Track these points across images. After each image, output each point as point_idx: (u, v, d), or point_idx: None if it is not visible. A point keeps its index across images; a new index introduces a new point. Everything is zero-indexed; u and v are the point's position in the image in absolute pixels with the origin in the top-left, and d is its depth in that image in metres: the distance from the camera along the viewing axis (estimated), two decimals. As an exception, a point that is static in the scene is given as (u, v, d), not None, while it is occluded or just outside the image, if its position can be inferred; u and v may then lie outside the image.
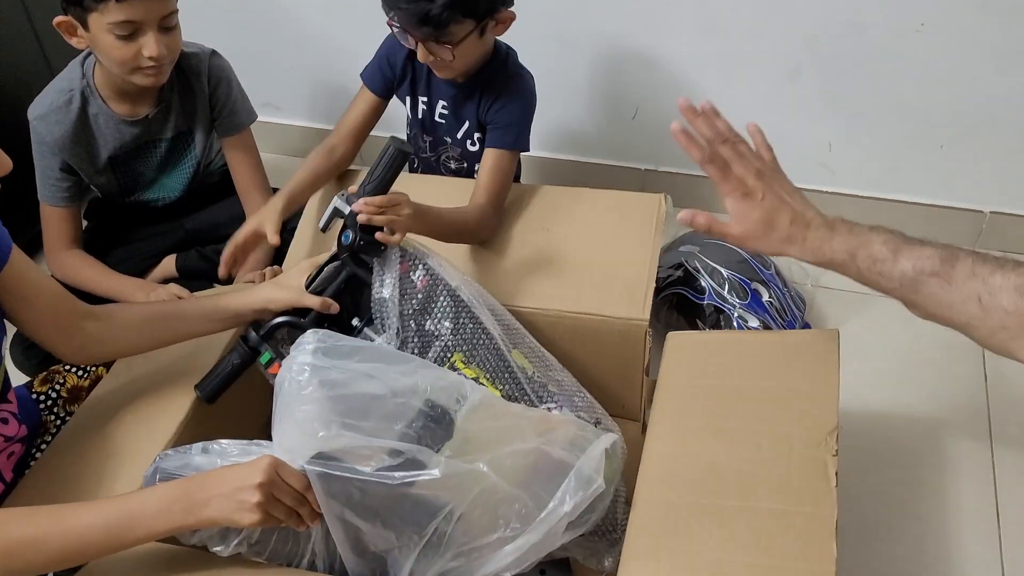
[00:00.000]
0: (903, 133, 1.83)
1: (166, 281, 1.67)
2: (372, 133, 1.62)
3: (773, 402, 1.07)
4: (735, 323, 1.60)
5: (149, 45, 1.41)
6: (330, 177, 1.57)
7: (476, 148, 1.58)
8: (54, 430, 1.27)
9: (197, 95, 1.61)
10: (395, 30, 1.40)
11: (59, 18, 1.43)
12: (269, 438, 1.02)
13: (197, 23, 1.60)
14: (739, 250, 1.70)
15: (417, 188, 1.28)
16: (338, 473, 0.93)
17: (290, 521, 0.96)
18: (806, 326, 1.69)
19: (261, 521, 0.92)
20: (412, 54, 1.53)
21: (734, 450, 1.02)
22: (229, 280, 1.58)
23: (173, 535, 0.96)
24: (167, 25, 1.43)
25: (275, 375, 1.11)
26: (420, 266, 1.20)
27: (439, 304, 1.20)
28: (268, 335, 1.21)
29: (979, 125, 1.76)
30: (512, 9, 1.43)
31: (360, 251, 1.18)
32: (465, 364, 1.19)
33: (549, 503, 0.99)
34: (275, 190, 1.72)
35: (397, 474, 0.93)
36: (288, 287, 1.22)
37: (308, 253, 1.49)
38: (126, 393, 1.25)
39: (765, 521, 0.94)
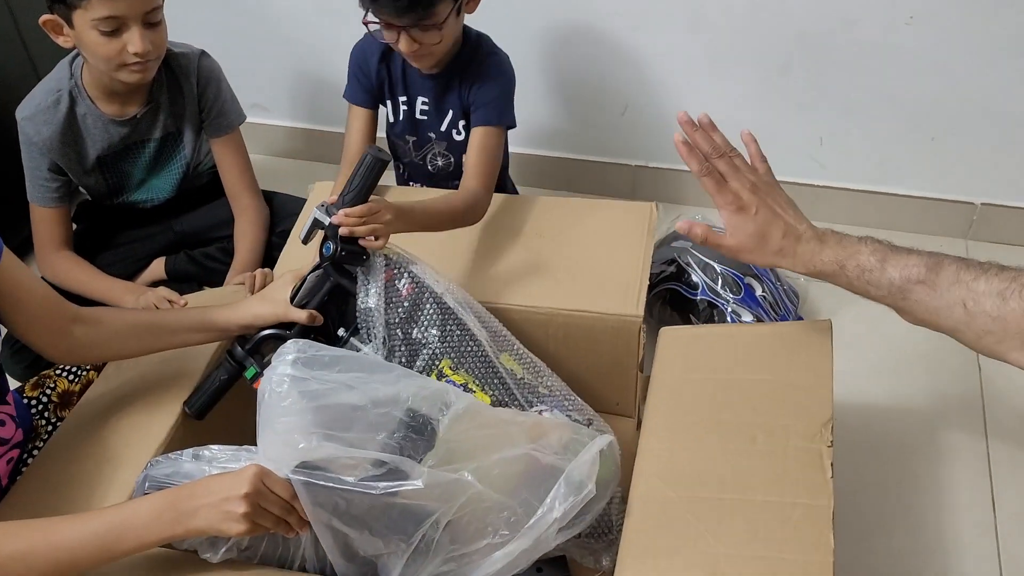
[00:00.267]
0: (894, 126, 1.83)
1: (155, 284, 1.66)
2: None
3: (767, 394, 1.06)
4: (729, 318, 1.60)
5: (134, 41, 1.40)
6: None
7: (462, 137, 1.58)
8: (45, 435, 1.26)
9: (186, 96, 1.60)
10: (372, 29, 1.40)
11: (45, 17, 1.42)
12: None
13: (183, 24, 1.59)
14: (732, 246, 1.70)
15: (401, 199, 1.26)
16: (322, 483, 0.93)
17: (278, 529, 0.97)
18: (799, 320, 1.69)
19: (248, 531, 0.93)
20: (383, 58, 1.54)
21: (729, 443, 1.02)
22: (219, 282, 1.58)
23: (163, 544, 0.96)
24: (151, 20, 1.42)
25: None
26: (405, 274, 1.19)
27: (425, 311, 1.19)
28: (254, 349, 1.21)
29: (969, 117, 1.77)
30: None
31: (342, 261, 1.17)
32: (453, 371, 1.18)
33: (539, 510, 0.99)
34: (264, 192, 1.72)
35: (380, 484, 0.93)
36: (274, 301, 1.21)
37: (300, 258, 1.49)
38: (117, 397, 1.24)
39: (762, 514, 0.94)
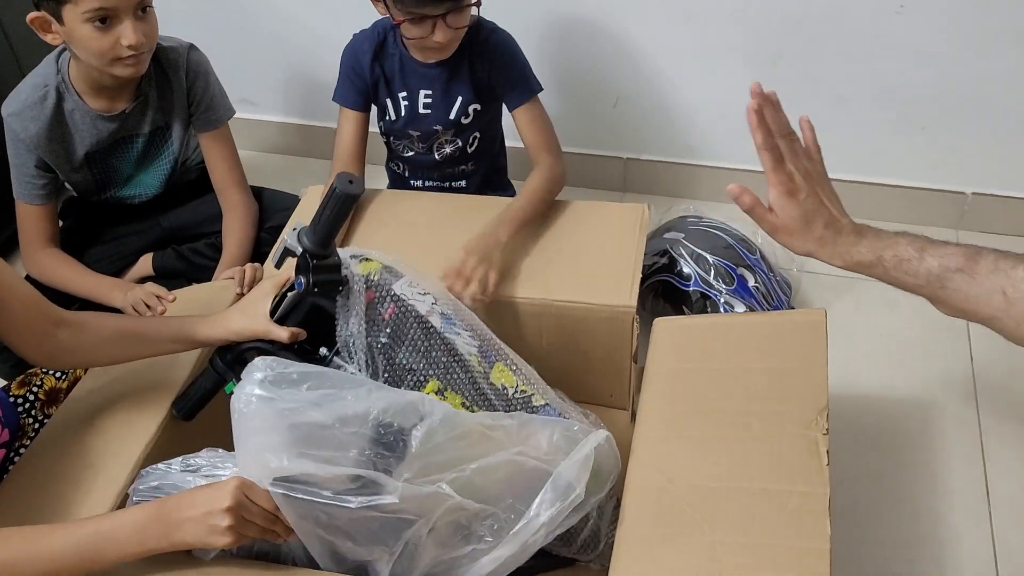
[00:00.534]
0: (885, 116, 1.83)
1: (143, 280, 1.64)
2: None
3: (762, 383, 1.06)
4: (722, 309, 1.59)
5: (127, 34, 1.39)
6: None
7: (470, 119, 1.58)
8: (32, 433, 1.25)
9: (175, 90, 1.58)
10: (407, 23, 1.39)
11: (32, 14, 1.40)
12: None
13: (171, 18, 1.58)
14: (724, 235, 1.69)
15: (422, 209, 1.34)
16: (301, 496, 0.94)
17: (266, 536, 0.98)
18: (791, 310, 1.69)
19: (234, 542, 0.94)
20: (375, 58, 1.54)
21: (725, 432, 1.02)
22: (207, 278, 1.56)
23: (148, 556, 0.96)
24: (143, 8, 1.41)
25: None
26: (387, 296, 1.16)
27: (409, 336, 1.16)
28: (236, 360, 1.18)
29: (960, 106, 1.77)
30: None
31: (317, 296, 1.14)
32: (439, 394, 1.15)
33: (524, 516, 0.99)
34: (253, 187, 1.71)
35: (356, 499, 0.94)
36: (254, 316, 1.18)
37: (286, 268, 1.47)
38: (104, 395, 1.23)
39: (758, 501, 0.94)
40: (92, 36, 1.38)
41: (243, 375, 0.99)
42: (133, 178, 1.66)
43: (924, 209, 1.91)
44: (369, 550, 0.99)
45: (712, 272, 1.63)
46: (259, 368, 0.98)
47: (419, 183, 1.70)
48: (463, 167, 1.66)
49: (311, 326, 1.17)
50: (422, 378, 1.15)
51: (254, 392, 0.95)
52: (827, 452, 0.96)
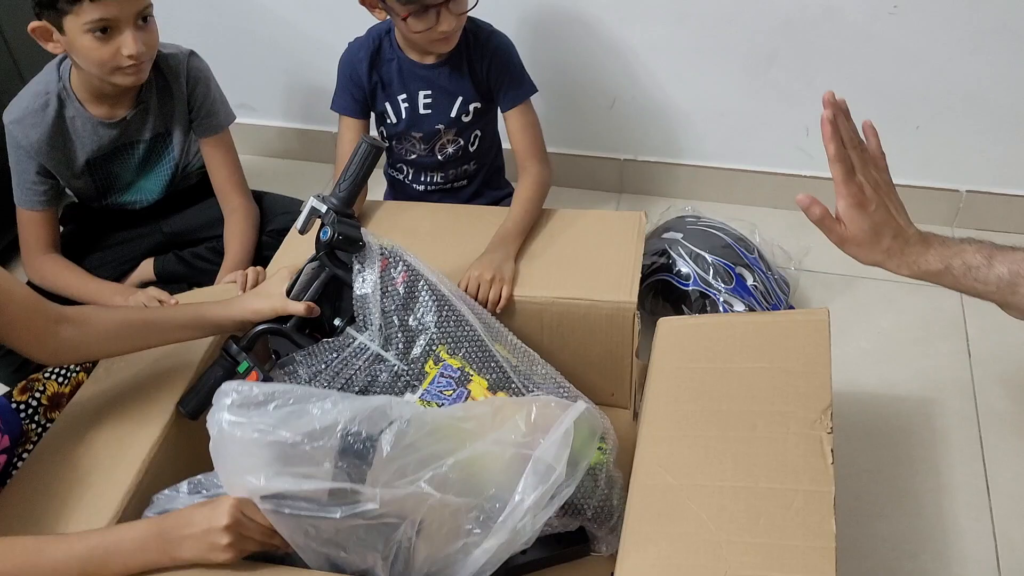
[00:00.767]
0: (879, 115, 1.80)
1: (145, 285, 1.64)
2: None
3: (766, 382, 1.07)
4: (721, 308, 1.60)
5: (128, 43, 1.39)
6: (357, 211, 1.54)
7: (471, 117, 1.59)
8: (35, 438, 1.25)
9: (175, 96, 1.59)
10: (411, 17, 1.40)
11: (33, 24, 1.40)
12: None
13: (170, 24, 1.58)
14: (722, 235, 1.70)
15: (421, 218, 1.36)
16: (288, 512, 0.96)
17: (265, 548, 1.00)
18: (790, 309, 1.69)
19: (234, 559, 0.96)
20: (372, 65, 1.54)
21: (729, 431, 1.02)
22: (209, 283, 1.56)
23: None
24: (144, 17, 1.41)
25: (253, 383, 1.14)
26: (400, 263, 1.21)
27: (420, 299, 1.20)
28: (249, 345, 1.22)
29: (954, 104, 1.78)
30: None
31: (338, 247, 1.19)
32: (450, 355, 1.19)
33: (508, 503, 0.99)
34: (254, 191, 1.71)
35: (339, 510, 0.96)
36: (270, 296, 1.22)
37: (295, 258, 1.48)
38: (107, 399, 1.23)
39: (763, 500, 0.94)
40: (93, 46, 1.39)
41: (214, 399, 1.00)
42: (134, 184, 1.66)
43: (919, 207, 1.89)
44: (363, 558, 1.01)
45: (711, 271, 1.63)
46: (226, 393, 1.00)
47: (422, 187, 1.70)
48: (466, 167, 1.67)
49: (326, 300, 1.23)
50: (434, 339, 1.19)
51: (224, 418, 0.97)
52: (831, 451, 0.97)
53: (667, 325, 1.21)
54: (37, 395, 1.30)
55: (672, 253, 1.67)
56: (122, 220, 1.71)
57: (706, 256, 1.65)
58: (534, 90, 1.58)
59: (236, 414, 0.97)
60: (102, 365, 1.29)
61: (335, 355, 1.18)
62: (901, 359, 1.64)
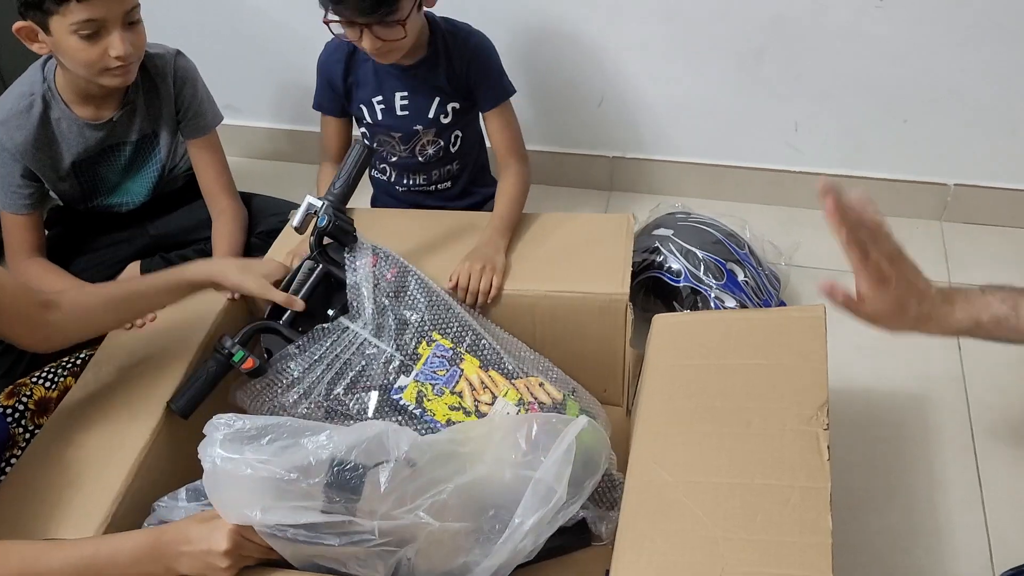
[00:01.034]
0: (867, 110, 1.84)
1: (132, 288, 1.63)
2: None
3: (762, 379, 1.07)
4: (712, 304, 1.60)
5: (115, 44, 1.37)
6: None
7: (450, 118, 1.58)
8: (23, 444, 1.24)
9: (162, 97, 1.57)
10: (333, 28, 1.39)
11: (18, 24, 1.38)
12: None
13: (156, 23, 1.56)
14: (713, 231, 1.70)
15: (406, 226, 1.38)
16: (289, 537, 0.96)
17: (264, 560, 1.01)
18: (781, 304, 1.70)
19: None
20: (347, 66, 1.54)
21: (725, 428, 1.02)
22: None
23: None
24: (131, 20, 1.40)
25: (249, 370, 1.19)
26: (389, 258, 1.25)
27: (410, 291, 1.25)
28: (244, 341, 1.22)
29: (941, 98, 1.78)
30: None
31: (334, 235, 1.24)
32: (442, 336, 1.23)
33: (508, 526, 0.99)
34: (242, 193, 1.70)
35: (336, 540, 0.97)
36: (254, 275, 1.26)
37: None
38: (95, 403, 1.22)
39: (760, 497, 0.94)
40: (80, 47, 1.37)
41: (205, 431, 1.00)
42: (120, 186, 1.65)
43: (908, 201, 1.93)
44: (365, 572, 1.01)
45: (702, 267, 1.63)
46: (217, 427, 1.00)
47: (405, 188, 1.69)
48: (449, 167, 1.66)
49: (320, 298, 1.27)
50: (426, 327, 1.23)
51: (217, 453, 0.98)
52: (828, 448, 0.97)
53: (662, 321, 1.21)
54: (24, 400, 1.29)
55: (663, 250, 1.66)
56: (108, 223, 1.70)
57: (697, 252, 1.65)
58: (513, 91, 1.58)
59: (228, 449, 0.98)
60: (90, 369, 1.28)
61: (327, 343, 1.20)
62: (892, 353, 1.64)
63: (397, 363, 1.20)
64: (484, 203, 1.71)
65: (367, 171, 1.53)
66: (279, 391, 1.20)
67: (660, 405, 1.08)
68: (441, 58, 1.52)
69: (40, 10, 1.34)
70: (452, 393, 1.19)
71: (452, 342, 1.22)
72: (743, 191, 2.01)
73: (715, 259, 1.64)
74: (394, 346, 1.21)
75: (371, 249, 1.26)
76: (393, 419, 1.18)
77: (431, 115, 1.57)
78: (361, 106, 1.58)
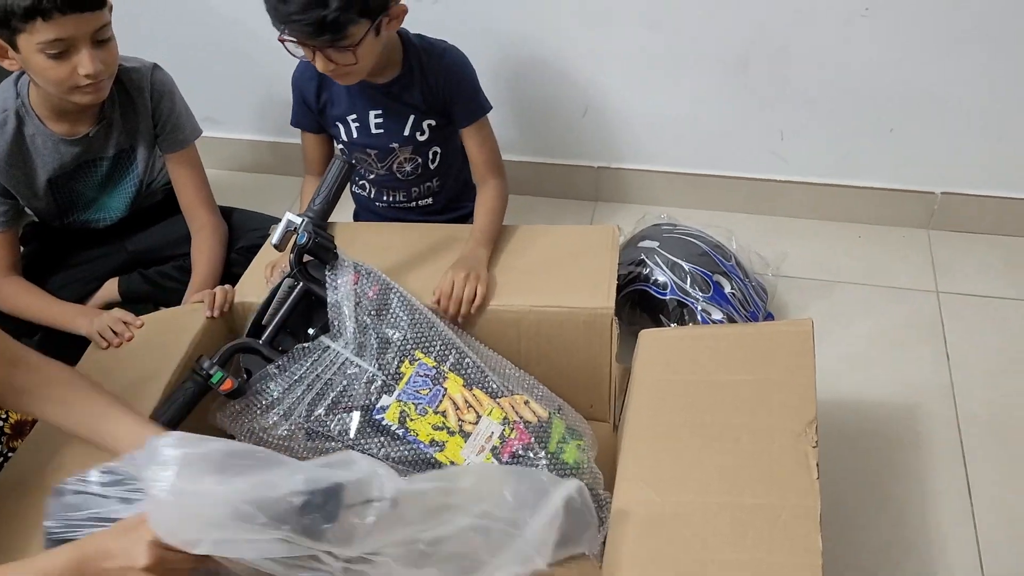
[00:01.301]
0: (853, 118, 1.84)
1: (109, 306, 1.60)
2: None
3: (750, 395, 1.05)
4: (699, 316, 1.59)
5: (84, 63, 1.35)
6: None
7: (426, 136, 1.56)
8: (-2, 466, 1.21)
9: (139, 111, 1.55)
10: (288, 46, 1.36)
11: None
12: None
13: (133, 37, 1.54)
14: (699, 243, 1.69)
15: (389, 239, 1.37)
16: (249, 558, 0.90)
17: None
18: (769, 316, 1.68)
19: None
20: (320, 85, 1.53)
21: (714, 445, 1.01)
22: (176, 302, 1.53)
23: None
24: (100, 38, 1.37)
25: (228, 391, 1.17)
26: (370, 275, 1.24)
27: (392, 308, 1.23)
28: (222, 362, 1.21)
29: (927, 107, 1.78)
30: (404, 2, 1.40)
31: (314, 252, 1.24)
32: (425, 354, 1.21)
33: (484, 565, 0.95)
34: (221, 207, 1.67)
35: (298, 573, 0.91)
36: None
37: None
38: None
39: (749, 516, 0.93)
40: (48, 66, 1.35)
41: (146, 449, 0.91)
42: (97, 201, 1.62)
43: (894, 210, 1.93)
44: None
45: (688, 280, 1.62)
46: (171, 448, 0.90)
47: (385, 205, 1.68)
48: (428, 184, 1.64)
49: (300, 317, 1.27)
50: (409, 346, 1.21)
51: (170, 480, 0.88)
52: (816, 465, 0.95)
53: (649, 336, 1.20)
54: (0, 422, 1.26)
55: (649, 262, 1.65)
56: (85, 239, 1.67)
57: (683, 264, 1.63)
58: (489, 107, 1.56)
59: (184, 480, 0.88)
60: (67, 390, 1.25)
61: (308, 363, 1.18)
62: (880, 364, 1.63)
63: (379, 383, 1.18)
64: (468, 218, 1.69)
65: (348, 187, 1.50)
66: (259, 412, 1.18)
67: (647, 421, 1.07)
68: (416, 75, 1.50)
69: (7, 28, 1.32)
70: (436, 413, 1.17)
71: (435, 360, 1.21)
72: (729, 201, 2.00)
73: (702, 271, 1.63)
74: (376, 365, 1.19)
75: (352, 266, 1.24)
76: (375, 439, 1.15)
77: (406, 133, 1.55)
78: (336, 123, 1.56)
